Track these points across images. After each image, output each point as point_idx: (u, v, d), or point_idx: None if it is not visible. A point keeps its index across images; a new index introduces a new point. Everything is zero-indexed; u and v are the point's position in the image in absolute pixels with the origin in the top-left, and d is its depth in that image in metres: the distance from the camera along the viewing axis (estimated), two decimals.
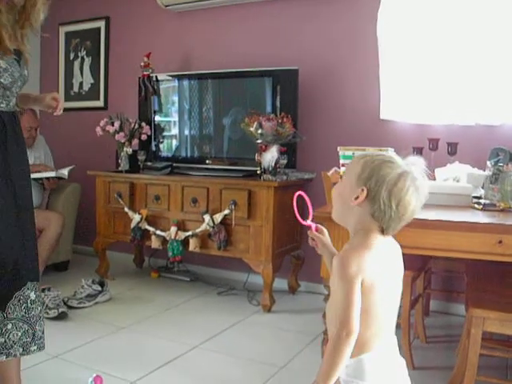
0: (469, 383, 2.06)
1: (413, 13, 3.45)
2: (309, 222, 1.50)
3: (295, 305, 3.65)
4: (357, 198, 1.27)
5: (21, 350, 1.99)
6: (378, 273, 1.25)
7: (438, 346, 2.99)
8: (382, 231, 1.29)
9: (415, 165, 1.29)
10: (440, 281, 3.55)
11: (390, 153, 1.34)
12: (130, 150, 4.06)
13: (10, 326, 1.96)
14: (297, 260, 3.83)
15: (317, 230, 1.52)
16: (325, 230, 1.53)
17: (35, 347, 2.04)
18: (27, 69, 2.10)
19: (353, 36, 3.69)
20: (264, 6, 4.02)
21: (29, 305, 2.02)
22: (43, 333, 2.08)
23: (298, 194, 1.51)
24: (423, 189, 1.27)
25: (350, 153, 2.34)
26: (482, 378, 2.21)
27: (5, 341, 1.94)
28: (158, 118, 4.26)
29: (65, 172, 4.02)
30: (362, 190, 1.26)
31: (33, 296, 2.03)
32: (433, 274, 3.38)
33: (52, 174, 4.01)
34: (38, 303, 2.06)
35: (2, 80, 1.92)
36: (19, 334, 1.98)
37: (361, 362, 1.28)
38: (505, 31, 3.22)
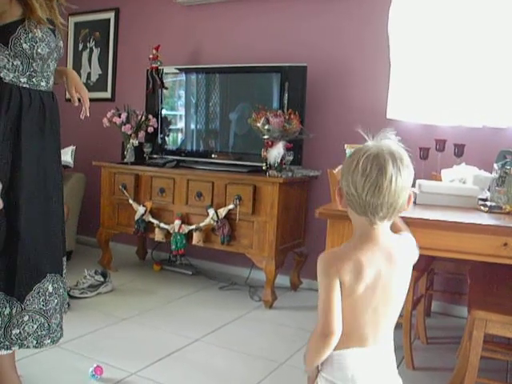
0: None
1: (423, 13, 3.43)
2: None
3: (297, 301, 3.65)
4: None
5: (34, 342, 1.96)
6: (359, 281, 1.21)
7: (438, 347, 2.99)
8: (370, 222, 1.25)
9: (381, 140, 1.25)
10: (442, 282, 3.55)
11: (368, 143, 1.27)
12: (136, 142, 4.06)
13: (26, 318, 1.93)
14: (299, 257, 3.83)
15: None
16: None
17: (49, 340, 2.01)
18: (62, 40, 2.08)
19: (362, 34, 3.68)
20: (273, 1, 4.01)
21: (47, 297, 1.99)
22: (58, 326, 2.05)
23: None
24: (388, 160, 1.19)
25: None
26: (483, 380, 2.21)
27: (20, 332, 1.92)
28: (164, 111, 4.25)
29: (70, 160, 4.05)
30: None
31: (50, 288, 2.00)
32: (435, 275, 3.38)
33: None
34: (56, 295, 2.03)
35: (39, 50, 1.88)
36: (35, 326, 1.95)
37: (343, 355, 1.26)
38: None
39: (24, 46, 1.86)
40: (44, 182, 1.98)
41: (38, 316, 1.96)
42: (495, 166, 2.46)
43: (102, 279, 3.56)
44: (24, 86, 1.91)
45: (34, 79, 1.93)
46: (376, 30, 3.56)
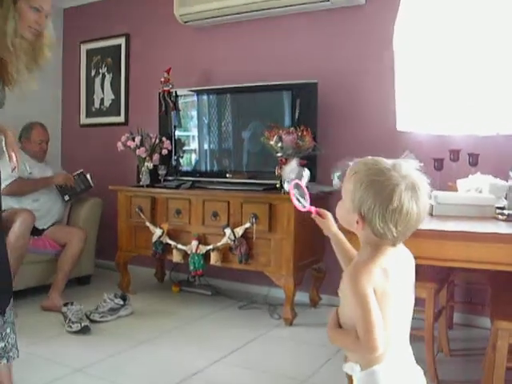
0: None
1: (431, 23, 3.45)
2: (307, 207, 1.51)
3: (317, 318, 3.63)
4: (357, 222, 1.27)
5: (16, 352, 2.05)
6: (388, 284, 1.24)
7: (462, 359, 2.95)
8: (391, 244, 1.28)
9: (407, 168, 1.25)
10: (463, 293, 3.50)
11: (382, 161, 1.28)
12: (150, 165, 4.10)
13: (8, 330, 2.01)
14: (318, 273, 3.82)
15: (317, 213, 1.52)
16: (327, 213, 1.53)
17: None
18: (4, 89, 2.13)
19: (369, 48, 3.70)
20: (281, 20, 4.06)
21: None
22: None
23: (293, 182, 1.52)
24: (422, 192, 1.24)
25: None
26: None
27: (5, 345, 1.99)
28: (178, 133, 4.29)
29: (90, 180, 4.19)
30: (358, 217, 1.26)
31: None
32: (456, 287, 3.34)
33: (81, 186, 4.18)
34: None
35: None
36: (15, 337, 2.05)
37: (373, 375, 1.26)
38: None
39: None
40: None
41: (14, 327, 2.05)
42: (511, 173, 2.44)
43: (121, 302, 3.57)
44: None
45: None
46: (382, 44, 3.57)
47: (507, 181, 2.47)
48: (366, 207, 1.24)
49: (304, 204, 1.52)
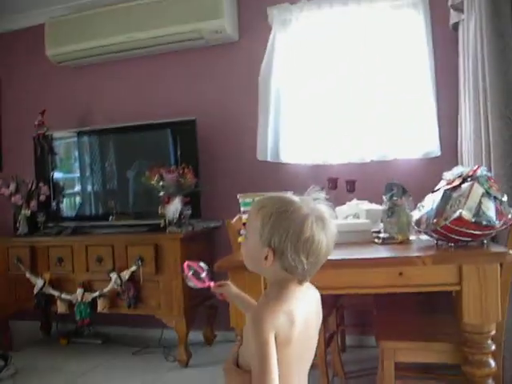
0: None
1: (303, 59, 3.61)
2: (206, 284, 1.56)
3: (212, 356, 3.56)
4: (266, 258, 1.24)
5: None
6: (292, 330, 1.21)
7: (357, 380, 3.01)
8: (299, 281, 1.27)
9: (316, 200, 1.28)
10: (352, 316, 3.60)
11: (287, 195, 1.32)
12: (28, 213, 3.89)
13: None
14: (210, 310, 3.76)
15: (220, 285, 1.54)
16: (227, 282, 1.54)
17: None
18: None
19: (246, 84, 3.78)
20: (157, 58, 4.07)
21: None
22: None
23: (185, 264, 1.58)
24: (331, 224, 1.26)
25: (249, 199, 2.35)
26: None
27: None
28: (57, 177, 4.12)
29: None
30: (268, 251, 1.24)
31: None
32: (345, 310, 3.42)
33: None
34: None
35: None
36: None
37: None
38: (392, 72, 3.44)
39: None
40: None
41: None
42: (384, 198, 2.55)
43: (2, 363, 3.31)
44: None
45: None
46: (256, 77, 3.67)
47: (381, 205, 2.58)
48: (277, 239, 1.22)
49: (204, 279, 1.57)
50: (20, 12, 4.39)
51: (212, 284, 1.57)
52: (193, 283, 1.58)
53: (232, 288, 1.56)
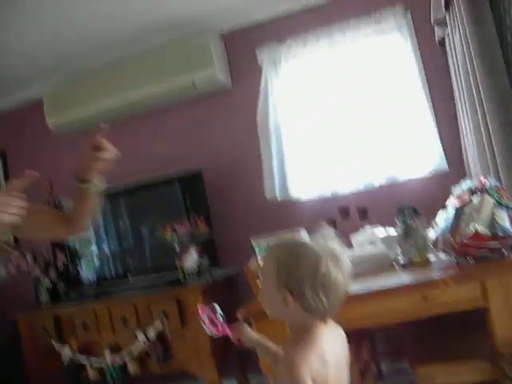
0: None
1: (300, 94, 3.68)
2: (221, 329, 1.56)
3: None
4: (285, 301, 1.25)
5: None
6: (326, 371, 1.22)
7: None
8: (322, 320, 1.28)
9: (327, 238, 1.29)
10: (385, 342, 3.52)
11: (300, 236, 1.35)
12: (48, 283, 3.90)
13: None
14: (240, 356, 3.71)
15: (236, 329, 1.54)
16: (244, 326, 1.53)
17: None
18: None
19: (246, 126, 3.83)
20: (155, 115, 4.12)
21: None
22: None
23: (199, 308, 1.58)
24: (344, 260, 1.27)
25: (263, 243, 2.34)
26: None
27: None
28: (71, 243, 4.13)
29: None
30: (286, 293, 1.24)
31: None
32: (376, 337, 3.36)
33: None
34: None
35: None
36: None
37: None
38: (386, 95, 3.48)
39: None
40: None
41: None
42: (397, 221, 2.54)
43: None
44: None
45: None
46: (254, 118, 3.73)
47: (395, 228, 2.56)
48: (294, 280, 1.23)
49: (216, 323, 1.57)
50: (19, 90, 4.50)
51: (228, 331, 1.55)
52: (209, 330, 1.57)
53: (250, 332, 1.55)
